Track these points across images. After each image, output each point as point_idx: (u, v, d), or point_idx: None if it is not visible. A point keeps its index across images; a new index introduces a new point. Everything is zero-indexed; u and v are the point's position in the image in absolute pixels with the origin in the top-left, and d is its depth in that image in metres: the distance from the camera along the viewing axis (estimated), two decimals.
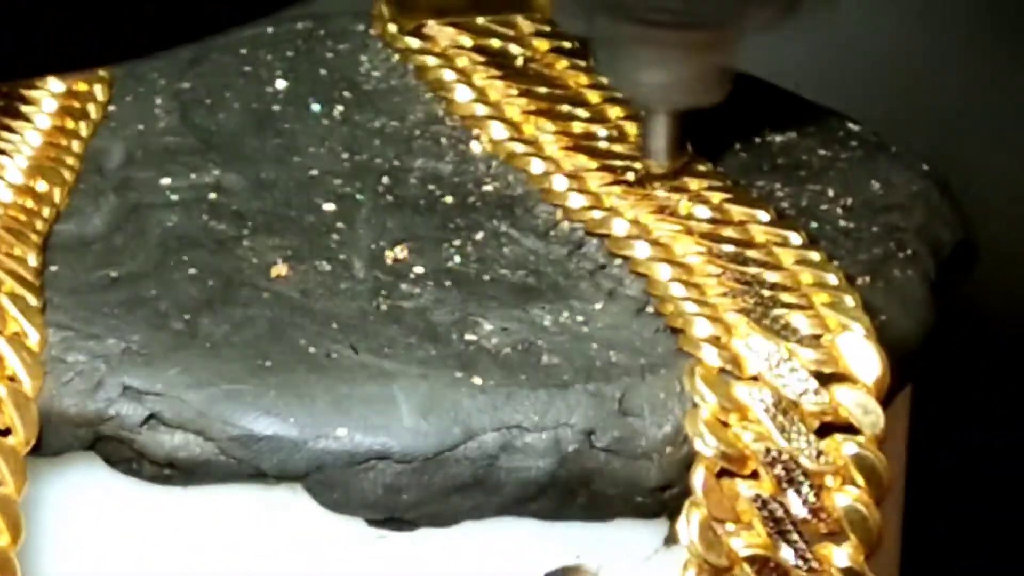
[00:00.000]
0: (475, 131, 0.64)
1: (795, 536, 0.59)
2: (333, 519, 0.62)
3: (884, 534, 0.63)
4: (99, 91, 0.64)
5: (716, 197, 0.64)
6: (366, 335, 0.59)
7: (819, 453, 0.58)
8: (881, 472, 0.59)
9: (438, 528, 0.62)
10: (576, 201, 0.63)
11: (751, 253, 0.63)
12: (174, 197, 0.64)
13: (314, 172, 0.62)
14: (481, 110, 0.64)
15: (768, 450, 0.59)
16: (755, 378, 0.60)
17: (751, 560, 0.60)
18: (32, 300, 0.58)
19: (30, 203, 0.62)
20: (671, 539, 0.61)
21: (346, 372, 0.60)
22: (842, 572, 0.61)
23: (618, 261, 0.63)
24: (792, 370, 0.59)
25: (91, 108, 0.63)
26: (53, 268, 0.61)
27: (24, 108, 0.64)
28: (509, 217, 0.62)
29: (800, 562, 0.60)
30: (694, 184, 0.66)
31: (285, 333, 0.60)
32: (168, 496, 0.61)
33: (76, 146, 0.63)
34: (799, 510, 0.59)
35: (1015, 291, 1.11)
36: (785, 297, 0.62)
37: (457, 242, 0.62)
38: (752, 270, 0.62)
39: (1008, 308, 1.13)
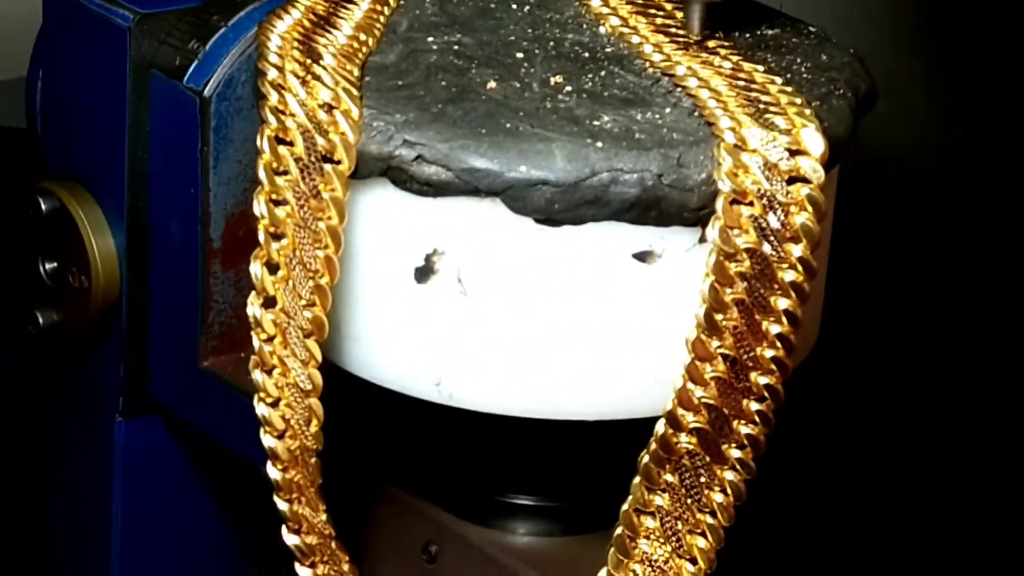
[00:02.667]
0: (602, 21, 0.67)
1: (772, 239, 0.61)
2: (516, 219, 0.63)
3: (821, 241, 0.64)
4: None
5: (734, 57, 0.66)
6: (539, 119, 0.61)
7: (787, 192, 0.61)
8: (821, 204, 0.61)
9: (574, 225, 0.63)
10: (656, 57, 0.65)
11: (753, 86, 0.64)
12: (434, 47, 0.65)
13: (512, 38, 0.65)
14: (605, 9, 0.67)
15: (759, 189, 0.61)
16: (753, 150, 0.61)
17: (748, 251, 0.61)
18: (355, 93, 0.61)
19: (355, 45, 0.64)
20: (702, 239, 0.63)
21: (526, 137, 0.61)
22: (798, 260, 0.62)
23: (679, 89, 0.64)
24: (775, 146, 0.61)
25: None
26: (367, 79, 0.63)
27: None
28: (619, 64, 0.65)
29: (774, 253, 0.61)
30: (722, 50, 0.66)
31: (494, 117, 0.62)
32: (426, 205, 0.63)
33: (382, 19, 0.66)
34: (775, 224, 0.61)
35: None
36: (772, 108, 0.62)
37: (590, 76, 0.64)
38: (753, 94, 0.63)
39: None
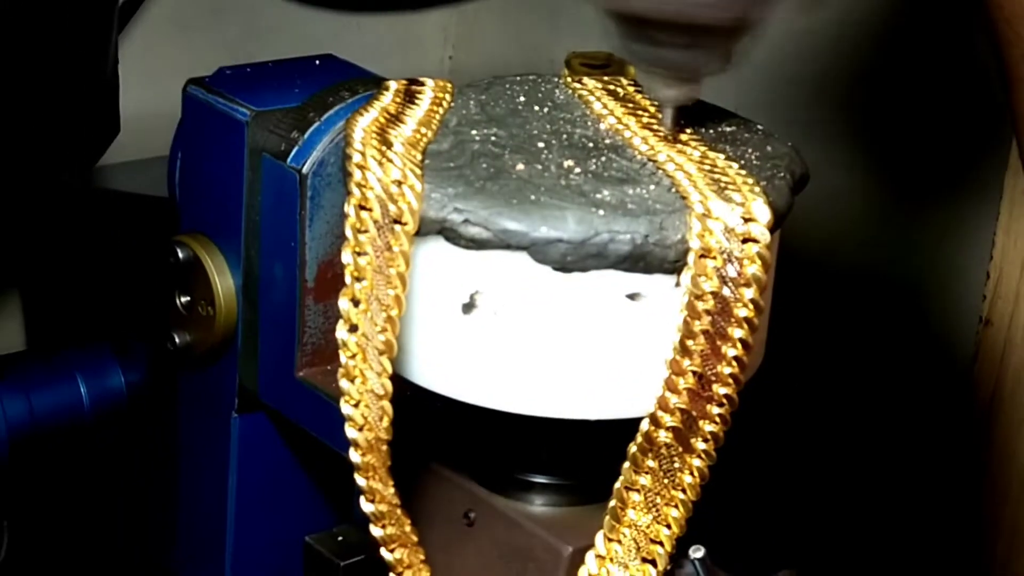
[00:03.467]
0: (602, 119, 0.67)
1: (730, 284, 0.61)
2: (538, 267, 0.62)
3: (767, 286, 0.64)
4: (448, 95, 0.67)
5: (701, 147, 0.66)
6: (556, 193, 0.61)
7: (742, 250, 0.61)
8: (767, 259, 0.61)
9: (582, 272, 0.62)
10: (643, 147, 0.65)
11: (716, 169, 0.64)
12: (477, 138, 0.64)
13: (535, 132, 0.65)
14: (604, 111, 0.67)
15: (721, 247, 0.61)
16: (717, 218, 0.61)
17: (712, 294, 0.61)
18: (418, 172, 0.61)
19: (418, 135, 0.65)
20: (678, 283, 0.62)
21: (546, 206, 0.61)
22: (749, 300, 0.62)
23: (660, 171, 0.64)
24: (733, 215, 0.61)
25: (445, 100, 0.66)
26: (427, 161, 0.63)
27: (417, 97, 0.67)
28: (615, 152, 0.65)
29: (732, 295, 0.62)
30: (692, 142, 0.66)
31: (521, 191, 0.62)
32: (470, 256, 0.63)
33: (438, 116, 0.65)
34: (733, 273, 0.61)
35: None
36: (730, 187, 0.62)
37: (594, 160, 0.64)
38: (716, 175, 0.63)
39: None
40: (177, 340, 0.77)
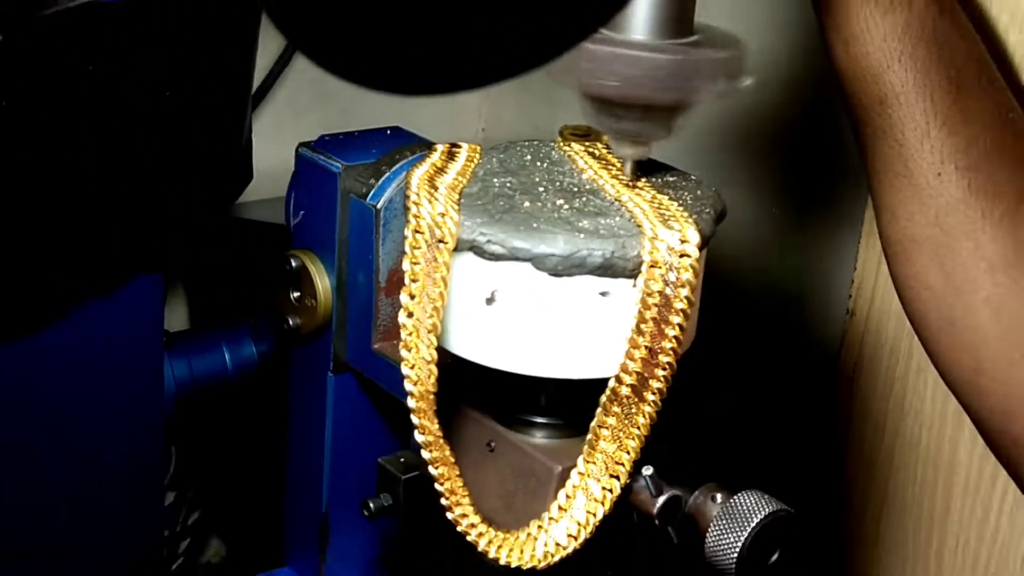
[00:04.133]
0: (583, 172, 0.65)
1: (671, 286, 0.60)
2: (538, 273, 0.61)
3: (697, 288, 0.62)
4: (478, 154, 0.66)
5: (652, 191, 0.64)
6: (551, 223, 0.60)
7: (680, 262, 0.60)
8: (698, 270, 0.60)
9: (569, 277, 0.61)
10: (611, 191, 0.63)
11: (662, 207, 0.63)
12: (496, 184, 0.63)
13: (536, 179, 0.63)
14: (584, 166, 0.66)
15: (665, 260, 0.60)
16: (662, 240, 0.60)
17: (659, 292, 0.60)
18: (456, 207, 0.60)
19: (456, 182, 0.63)
20: (635, 285, 0.61)
21: (545, 232, 0.59)
22: (684, 298, 0.60)
23: (624, 208, 0.62)
24: (673, 238, 0.60)
25: (476, 157, 0.66)
26: (462, 200, 0.61)
27: (456, 155, 0.67)
28: (593, 195, 0.63)
29: (672, 293, 0.60)
30: (646, 187, 0.64)
31: (527, 221, 0.60)
32: (491, 266, 0.61)
33: (470, 168, 0.65)
34: (673, 278, 0.60)
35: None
36: (672, 219, 0.61)
37: (577, 200, 0.63)
38: (662, 210, 0.62)
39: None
40: (290, 323, 0.77)
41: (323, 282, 0.74)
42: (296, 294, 0.75)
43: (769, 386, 1.02)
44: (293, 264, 0.74)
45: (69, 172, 0.71)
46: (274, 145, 0.86)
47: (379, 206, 0.71)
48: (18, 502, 0.83)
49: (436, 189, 0.62)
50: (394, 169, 0.72)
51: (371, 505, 0.69)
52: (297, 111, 1.07)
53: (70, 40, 0.64)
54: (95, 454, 0.84)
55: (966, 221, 0.68)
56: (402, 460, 0.70)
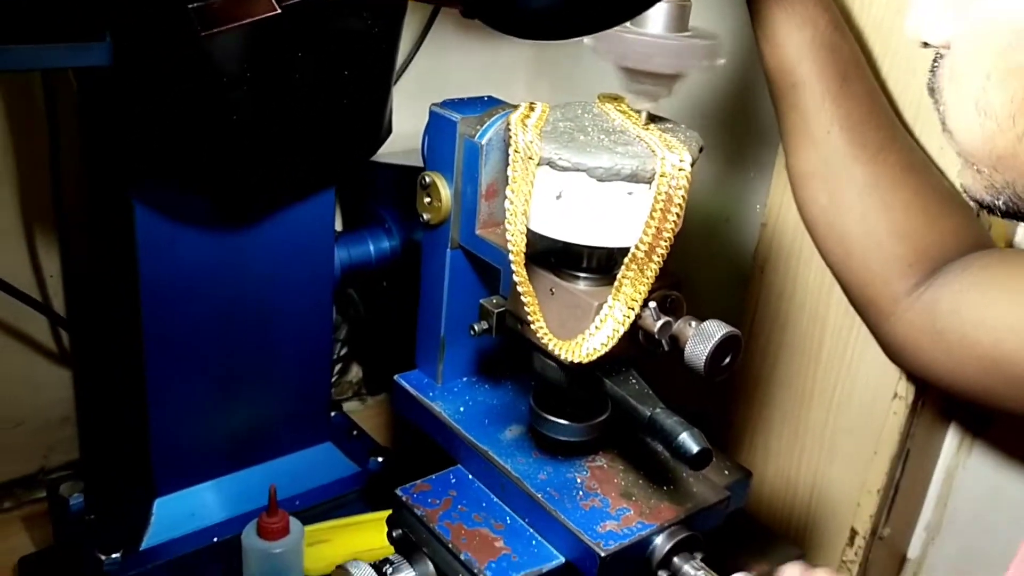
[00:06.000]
0: (614, 120, 0.63)
1: (672, 187, 0.58)
2: (591, 180, 0.58)
3: (688, 189, 0.59)
4: (548, 109, 0.63)
5: (658, 131, 0.62)
6: (597, 147, 0.59)
7: (678, 174, 0.59)
8: (689, 179, 0.58)
9: (610, 182, 0.58)
10: (633, 131, 0.62)
11: (666, 141, 0.61)
12: (560, 125, 0.61)
13: (586, 124, 0.62)
14: (615, 117, 0.63)
15: (671, 170, 0.59)
16: (664, 159, 0.59)
17: (665, 192, 0.58)
18: (539, 138, 0.57)
19: (540, 122, 0.62)
20: (650, 188, 0.59)
21: (595, 152, 0.58)
22: (681, 196, 0.58)
23: (642, 141, 0.60)
24: (674, 158, 0.59)
25: (547, 110, 0.63)
26: (544, 133, 0.60)
27: (535, 109, 0.63)
28: (623, 133, 0.61)
29: (674, 191, 0.58)
30: (656, 129, 0.62)
31: (583, 147, 0.58)
32: (560, 174, 0.59)
33: (545, 116, 0.63)
34: (673, 184, 0.59)
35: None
36: (673, 148, 0.59)
37: (614, 136, 0.61)
38: (666, 143, 0.60)
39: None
40: (424, 217, 0.73)
41: (445, 192, 0.72)
42: (428, 199, 0.73)
43: (710, 271, 1.02)
44: (427, 180, 0.72)
45: (292, 118, 0.73)
46: (415, 106, 0.86)
47: (483, 143, 0.69)
48: (243, 341, 0.85)
49: (526, 127, 0.61)
50: (491, 120, 0.70)
51: (475, 328, 0.66)
52: (415, 94, 1.06)
53: (297, 25, 0.65)
54: (291, 309, 0.86)
55: (845, 161, 0.71)
56: (494, 301, 0.67)
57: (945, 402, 0.79)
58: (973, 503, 0.82)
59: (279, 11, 0.59)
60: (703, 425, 0.60)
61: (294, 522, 0.73)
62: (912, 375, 0.75)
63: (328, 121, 0.76)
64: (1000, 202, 0.43)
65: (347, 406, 1.08)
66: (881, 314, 0.68)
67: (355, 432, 0.91)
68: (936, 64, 0.46)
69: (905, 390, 0.77)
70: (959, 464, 0.84)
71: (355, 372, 1.14)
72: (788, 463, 0.86)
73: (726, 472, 0.66)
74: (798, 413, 0.85)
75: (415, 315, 0.73)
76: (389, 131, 0.86)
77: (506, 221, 0.60)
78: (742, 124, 0.97)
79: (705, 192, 1.02)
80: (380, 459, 0.87)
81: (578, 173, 0.58)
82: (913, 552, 0.88)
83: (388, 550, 0.62)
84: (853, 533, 0.83)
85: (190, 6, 0.54)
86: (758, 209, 0.90)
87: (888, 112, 0.69)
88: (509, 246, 0.59)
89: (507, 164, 0.61)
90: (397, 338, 0.92)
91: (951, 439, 0.84)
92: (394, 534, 0.62)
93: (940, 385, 0.69)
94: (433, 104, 0.74)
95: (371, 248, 0.94)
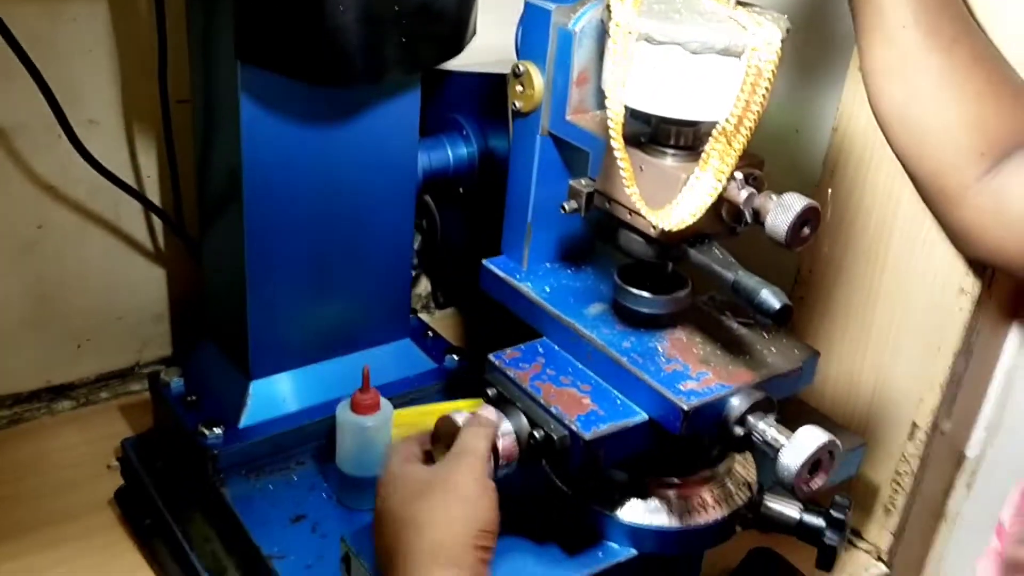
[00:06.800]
0: (706, 3, 0.64)
1: (762, 61, 0.60)
2: (684, 52, 0.60)
3: (780, 56, 0.60)
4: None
5: (747, 12, 0.63)
6: (692, 23, 0.60)
7: (767, 47, 0.60)
8: (778, 53, 0.60)
9: (702, 55, 0.60)
10: (723, 12, 0.63)
11: (754, 20, 0.61)
12: (655, 7, 0.62)
13: (678, 5, 0.63)
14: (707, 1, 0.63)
15: (762, 43, 0.60)
16: (755, 35, 0.60)
17: (756, 65, 0.59)
18: (637, 14, 0.59)
19: (635, 6, 0.62)
20: (740, 59, 0.60)
21: (689, 28, 0.59)
22: (769, 68, 0.60)
23: (732, 20, 0.62)
24: (763, 33, 0.61)
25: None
26: (641, 10, 0.61)
27: None
28: (714, 13, 0.62)
29: (763, 65, 0.60)
30: (744, 8, 0.63)
31: (679, 23, 0.60)
32: (657, 48, 0.60)
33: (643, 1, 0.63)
34: (764, 57, 0.60)
35: None
36: (761, 24, 0.61)
37: (705, 15, 0.62)
38: (754, 21, 0.61)
39: None
40: (516, 105, 0.74)
41: (537, 80, 0.72)
42: (520, 88, 0.73)
43: (779, 180, 1.04)
44: (520, 69, 0.73)
45: (389, 7, 0.76)
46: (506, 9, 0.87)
47: (576, 30, 0.70)
48: (335, 236, 0.89)
49: (624, 3, 0.62)
50: (584, 8, 0.71)
51: (565, 206, 0.68)
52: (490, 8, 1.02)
53: None
54: (378, 207, 0.86)
55: (920, 53, 0.73)
56: (583, 182, 0.69)
57: (1010, 298, 0.80)
58: None
59: None
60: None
61: (384, 401, 0.78)
62: (978, 265, 0.76)
63: (419, 21, 0.81)
64: None
65: None
66: (951, 202, 0.71)
67: (430, 333, 0.95)
68: None
69: (971, 285, 0.79)
70: (1020, 364, 0.84)
71: (424, 285, 1.17)
72: (852, 362, 0.88)
73: (796, 351, 0.69)
74: (863, 314, 0.87)
75: (487, 227, 0.77)
76: (474, 32, 0.90)
77: (606, 95, 0.61)
78: (814, 32, 0.97)
79: (774, 102, 1.02)
80: (455, 357, 0.92)
81: (674, 46, 0.60)
82: (972, 451, 0.89)
83: None
84: (914, 427, 0.85)
85: None
86: (830, 116, 0.88)
87: (960, 3, 0.70)
88: (609, 117, 0.61)
89: (599, 51, 0.66)
90: (468, 248, 0.97)
91: (1013, 338, 0.85)
92: (489, 392, 0.66)
93: (1007, 268, 0.72)
94: None
95: (449, 154, 0.96)
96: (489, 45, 0.78)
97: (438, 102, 0.98)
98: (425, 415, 0.80)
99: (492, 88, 0.88)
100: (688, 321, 0.71)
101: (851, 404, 0.88)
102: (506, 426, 0.63)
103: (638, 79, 0.62)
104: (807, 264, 0.64)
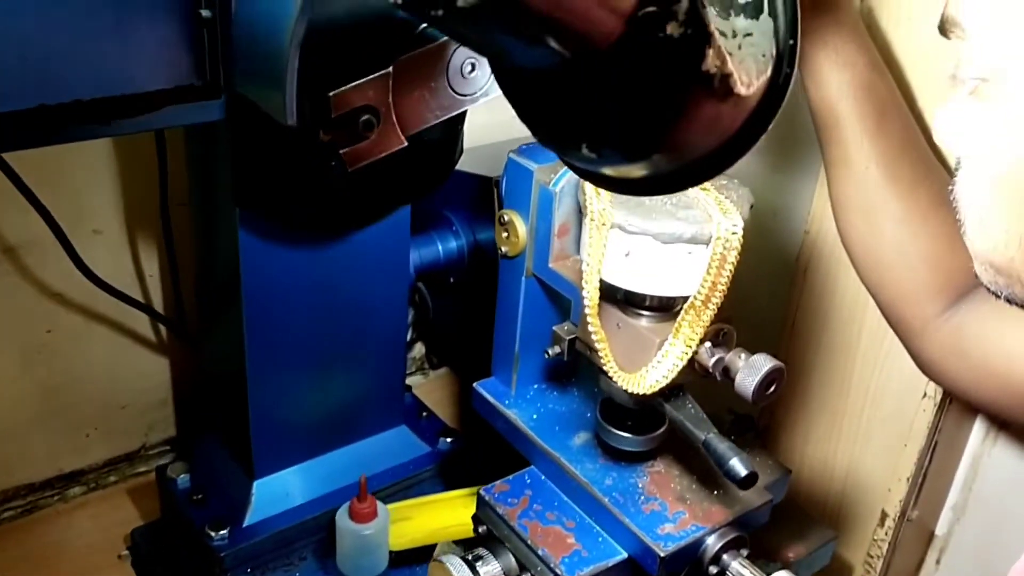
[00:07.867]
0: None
1: (726, 250, 0.62)
2: (655, 242, 0.62)
3: (742, 244, 0.62)
4: None
5: (713, 191, 0.65)
6: (661, 212, 0.61)
7: (731, 237, 0.61)
8: (740, 241, 0.62)
9: (671, 244, 0.63)
10: (692, 194, 0.65)
11: (721, 204, 0.64)
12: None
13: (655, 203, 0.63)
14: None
15: (724, 235, 0.61)
16: (719, 225, 0.62)
17: (720, 253, 0.61)
18: (611, 204, 0.62)
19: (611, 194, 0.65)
20: (707, 248, 0.63)
21: (660, 219, 0.62)
22: (734, 256, 0.63)
23: (700, 205, 0.63)
24: (727, 222, 0.63)
25: None
26: (611, 202, 0.63)
27: None
28: (683, 196, 0.64)
29: (726, 254, 0.62)
30: (711, 189, 0.66)
31: (649, 212, 0.61)
32: (629, 236, 0.62)
33: None
34: (727, 247, 0.62)
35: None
36: (727, 212, 0.63)
37: (674, 200, 0.63)
38: (721, 206, 0.64)
39: None
40: (503, 249, 0.77)
41: (521, 229, 0.75)
42: (506, 234, 0.76)
43: (757, 263, 1.02)
44: (505, 218, 0.75)
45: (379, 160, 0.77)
46: (487, 141, 0.91)
47: (557, 190, 0.73)
48: (332, 336, 0.85)
49: (600, 195, 0.65)
50: (563, 170, 0.72)
51: (548, 352, 0.71)
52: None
53: None
54: (373, 306, 0.86)
55: (881, 193, 0.74)
56: (565, 328, 0.72)
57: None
58: (997, 486, 0.87)
59: (406, 144, 0.66)
60: (748, 423, 0.66)
61: (381, 506, 0.80)
62: None
63: (409, 160, 0.84)
64: (1002, 296, 0.47)
65: (411, 379, 1.13)
66: (911, 332, 0.71)
67: (425, 414, 0.96)
68: (957, 168, 0.47)
69: (934, 390, 0.81)
70: (984, 452, 0.88)
71: (418, 349, 1.17)
72: (825, 449, 0.91)
73: (768, 471, 0.72)
74: (836, 404, 0.89)
75: (476, 309, 0.79)
76: (461, 152, 0.93)
77: (583, 278, 0.65)
78: (791, 134, 0.92)
79: (753, 189, 1.01)
80: (449, 440, 0.94)
81: (645, 236, 0.63)
82: (940, 530, 0.93)
83: (464, 526, 0.69)
84: (884, 515, 0.88)
85: (340, 151, 0.62)
86: (802, 221, 0.89)
87: (923, 146, 0.71)
88: (585, 299, 0.65)
89: (578, 206, 0.69)
90: (459, 326, 0.99)
91: (977, 431, 0.88)
92: (480, 530, 0.69)
93: (963, 399, 0.74)
94: (511, 151, 0.79)
95: (439, 249, 0.97)
96: (473, 128, 0.78)
97: (427, 199, 1.03)
98: (418, 507, 0.83)
99: (479, 186, 0.90)
100: (667, 452, 0.74)
101: (825, 486, 0.92)
102: (495, 568, 0.67)
103: (612, 260, 0.66)
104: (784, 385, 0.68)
